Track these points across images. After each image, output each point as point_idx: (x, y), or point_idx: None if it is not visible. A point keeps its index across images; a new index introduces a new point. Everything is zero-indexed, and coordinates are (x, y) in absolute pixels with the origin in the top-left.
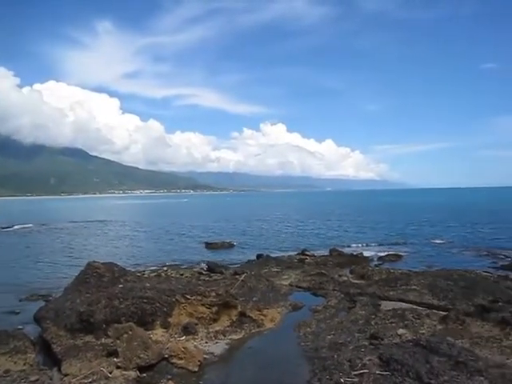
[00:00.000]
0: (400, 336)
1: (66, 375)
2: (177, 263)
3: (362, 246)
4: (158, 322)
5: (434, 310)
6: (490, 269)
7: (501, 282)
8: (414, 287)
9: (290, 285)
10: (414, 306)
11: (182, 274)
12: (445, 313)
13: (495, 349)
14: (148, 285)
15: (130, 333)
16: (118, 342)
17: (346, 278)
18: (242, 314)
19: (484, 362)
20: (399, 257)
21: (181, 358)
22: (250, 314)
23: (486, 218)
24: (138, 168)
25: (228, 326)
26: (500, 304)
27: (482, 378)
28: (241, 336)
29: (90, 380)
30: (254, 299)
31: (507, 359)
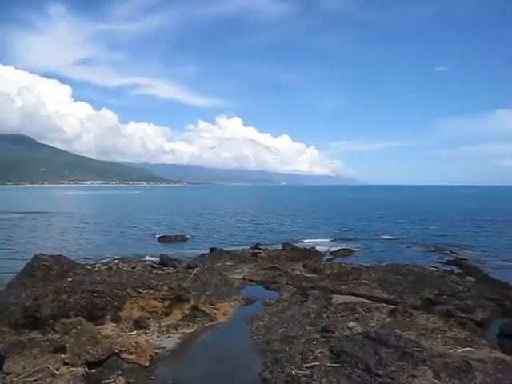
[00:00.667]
0: (350, 329)
1: (8, 374)
2: (128, 256)
3: (315, 240)
4: (109, 317)
5: (383, 304)
6: (436, 264)
7: (446, 276)
8: (364, 281)
9: (243, 279)
10: (365, 300)
11: (133, 268)
12: (393, 306)
13: (439, 339)
14: (98, 278)
15: (79, 328)
16: (66, 337)
17: (298, 272)
18: (195, 308)
19: (428, 352)
20: (351, 252)
21: (131, 353)
22: (203, 308)
23: (433, 215)
24: (89, 158)
25: (180, 320)
26: (445, 297)
27: (425, 367)
28: (193, 330)
29: (34, 378)
30: (207, 293)
31: (450, 349)
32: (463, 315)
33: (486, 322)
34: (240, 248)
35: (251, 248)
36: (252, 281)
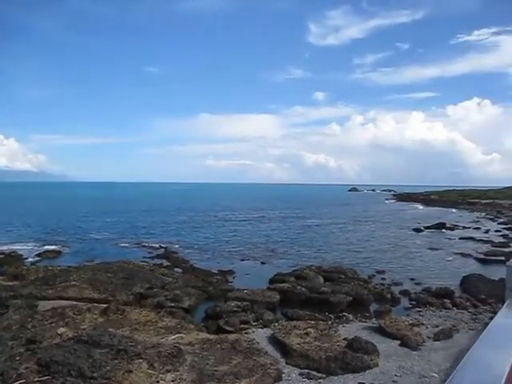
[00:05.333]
0: (60, 335)
1: None
2: None
3: (15, 243)
4: None
5: (95, 304)
6: (146, 259)
7: (156, 270)
8: (74, 283)
9: None
10: (75, 302)
11: None
12: (106, 305)
13: (152, 331)
14: None
15: None
16: None
17: None
18: None
19: (142, 345)
20: (58, 253)
21: None
22: None
23: (143, 211)
24: None
25: None
26: (155, 290)
27: (140, 360)
28: None
29: None
30: None
31: (162, 338)
32: (173, 305)
33: (193, 308)
34: None
35: None
36: None
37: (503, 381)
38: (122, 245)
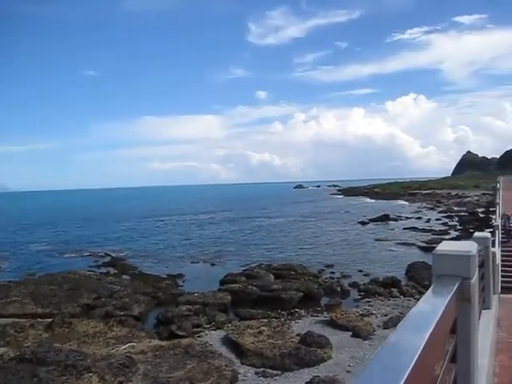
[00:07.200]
0: (1, 356)
1: None
2: None
3: None
4: None
5: (38, 319)
6: (93, 268)
7: (103, 278)
8: (15, 299)
9: None
10: (17, 319)
11: None
12: (51, 319)
13: (101, 343)
14: None
15: None
16: None
17: None
18: None
19: (92, 358)
20: None
21: None
22: None
23: (87, 219)
24: None
25: None
26: (103, 299)
27: (90, 374)
28: None
29: None
30: None
31: (112, 349)
32: (122, 313)
33: (144, 315)
34: None
35: None
36: None
37: (412, 364)
38: (67, 255)
